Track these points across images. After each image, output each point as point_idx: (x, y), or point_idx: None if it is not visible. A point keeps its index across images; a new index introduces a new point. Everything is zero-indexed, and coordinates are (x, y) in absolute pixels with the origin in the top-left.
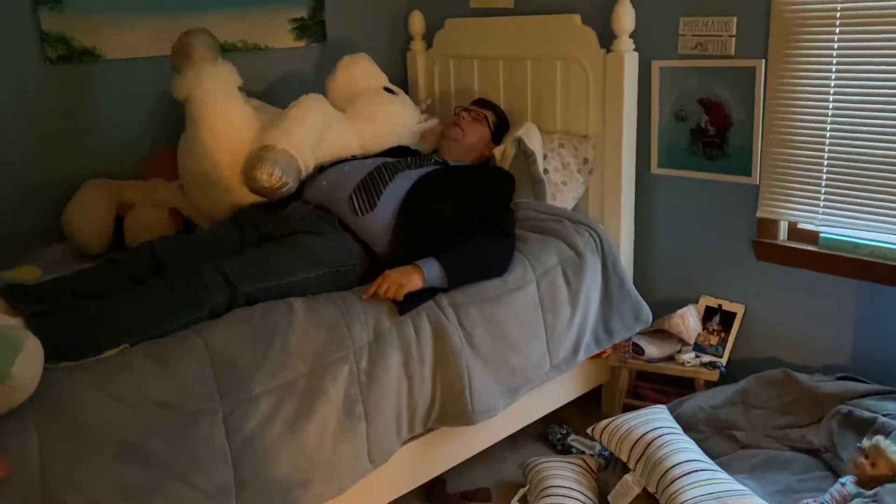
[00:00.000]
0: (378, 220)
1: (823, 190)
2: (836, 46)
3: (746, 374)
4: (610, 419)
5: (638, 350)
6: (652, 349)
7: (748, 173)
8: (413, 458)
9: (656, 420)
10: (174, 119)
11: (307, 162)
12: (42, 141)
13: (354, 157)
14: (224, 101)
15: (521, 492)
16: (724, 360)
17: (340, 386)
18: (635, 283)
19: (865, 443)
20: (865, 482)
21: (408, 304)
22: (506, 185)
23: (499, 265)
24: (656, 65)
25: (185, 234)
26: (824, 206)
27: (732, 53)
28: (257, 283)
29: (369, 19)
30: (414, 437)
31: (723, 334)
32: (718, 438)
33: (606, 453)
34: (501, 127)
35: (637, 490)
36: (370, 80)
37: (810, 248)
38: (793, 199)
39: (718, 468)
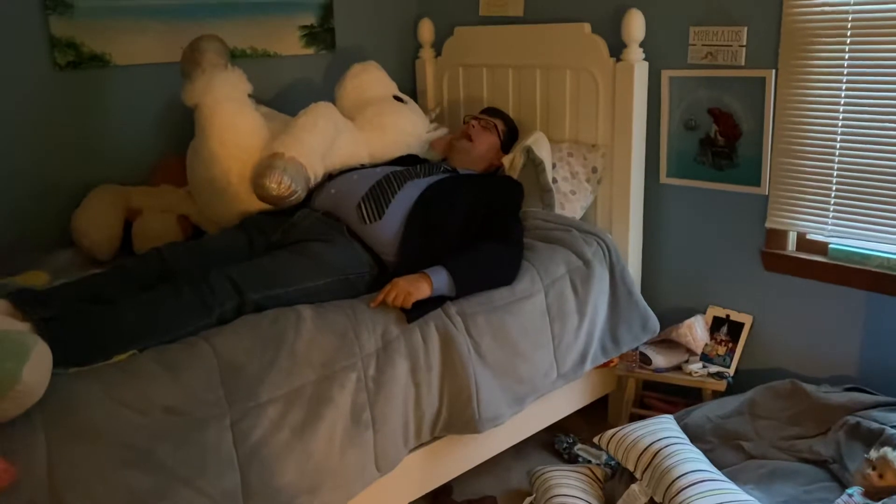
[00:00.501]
0: (386, 229)
1: (833, 201)
2: (846, 57)
3: (754, 385)
4: (617, 428)
5: (645, 360)
6: (659, 359)
7: (757, 183)
8: (420, 466)
9: (663, 430)
10: (183, 125)
11: (316, 170)
12: (51, 146)
13: (363, 166)
14: (234, 109)
15: (528, 500)
16: (731, 371)
17: (348, 393)
18: (643, 292)
19: (873, 454)
20: (873, 493)
21: (416, 312)
22: (514, 193)
23: (507, 274)
24: (666, 74)
25: (194, 241)
26: (833, 217)
27: (742, 63)
28: (265, 290)
29: (378, 27)
30: (421, 445)
31: (730, 344)
32: (725, 449)
33: (613, 463)
34: (510, 136)
35: (643, 500)
36: (379, 88)
37: (819, 258)
38: (802, 209)
39: (725, 479)
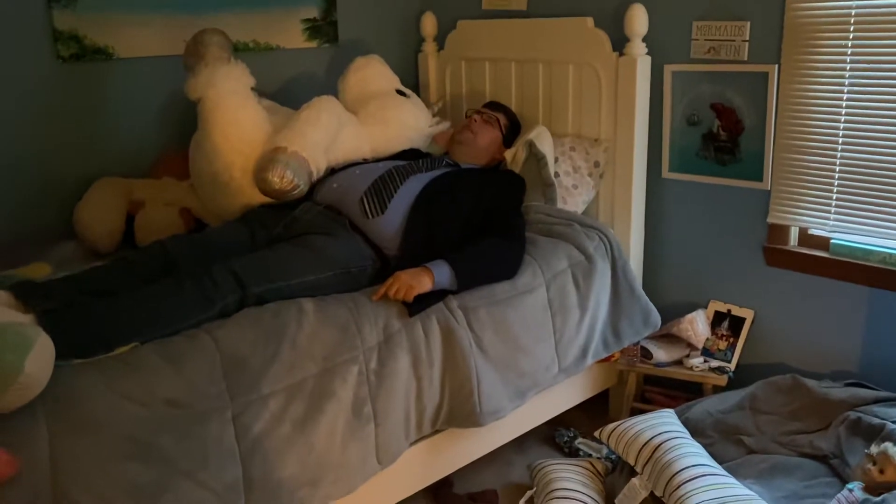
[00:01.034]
0: (388, 223)
1: (835, 196)
2: (849, 52)
3: (755, 380)
4: (618, 423)
5: (646, 354)
6: (660, 353)
7: (759, 178)
8: (421, 460)
9: (664, 424)
10: (186, 118)
11: (319, 165)
12: (53, 139)
13: (366, 161)
14: (237, 102)
15: (528, 494)
16: (732, 366)
17: (350, 386)
18: (645, 287)
19: (874, 449)
20: (873, 489)
21: (417, 305)
22: (516, 188)
23: (509, 268)
24: (669, 69)
25: (196, 234)
26: (836, 213)
27: (745, 58)
28: (268, 283)
29: (381, 20)
30: (422, 439)
31: (732, 339)
32: (726, 443)
33: (614, 457)
34: (513, 130)
35: (644, 494)
36: (382, 82)
37: (821, 254)
38: (804, 204)
39: (726, 473)
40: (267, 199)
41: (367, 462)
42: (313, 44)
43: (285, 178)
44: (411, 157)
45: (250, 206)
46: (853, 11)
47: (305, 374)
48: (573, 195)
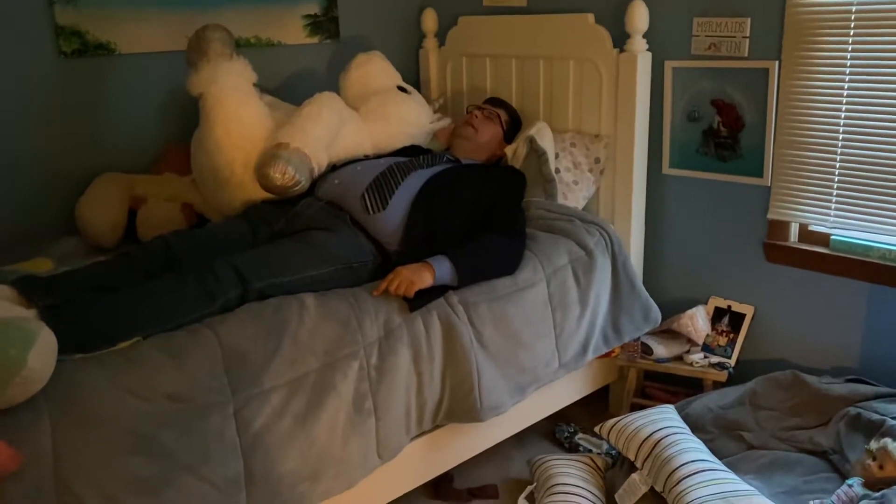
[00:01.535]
0: (390, 219)
1: (835, 192)
2: (850, 48)
3: (755, 376)
4: (618, 418)
5: (646, 350)
6: (661, 349)
7: (760, 175)
8: (421, 454)
9: (664, 420)
10: (187, 114)
11: (320, 161)
12: (56, 134)
13: (367, 157)
14: (239, 98)
15: (529, 489)
16: (732, 361)
17: (350, 381)
18: (645, 282)
19: (873, 445)
20: (873, 484)
21: (418, 301)
22: (517, 184)
23: (509, 264)
24: (669, 65)
25: (198, 229)
26: (836, 209)
27: (746, 55)
28: (269, 279)
29: (382, 16)
30: (422, 434)
31: (732, 335)
32: (726, 439)
33: (614, 452)
34: (514, 126)
35: (644, 489)
36: (383, 78)
37: (821, 250)
38: (804, 201)
39: (726, 468)
40: (268, 195)
41: (368, 457)
42: (315, 40)
43: (287, 175)
44: (412, 154)
45: (252, 202)
46: (854, 8)
47: (306, 368)
48: (574, 191)
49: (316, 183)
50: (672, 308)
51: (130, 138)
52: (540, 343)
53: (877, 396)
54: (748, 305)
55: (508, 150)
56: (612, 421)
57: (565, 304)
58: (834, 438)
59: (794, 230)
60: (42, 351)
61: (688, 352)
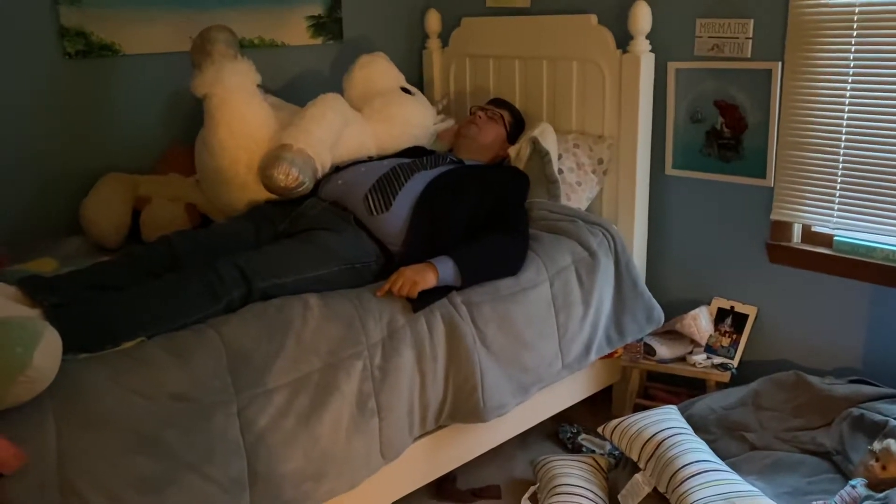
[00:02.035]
0: (393, 220)
1: (838, 193)
2: (853, 49)
3: (758, 376)
4: (621, 419)
5: (649, 350)
6: (663, 350)
7: (763, 175)
8: (424, 455)
9: (667, 420)
10: (191, 115)
11: (324, 161)
12: (60, 135)
13: (370, 158)
14: (243, 99)
15: (532, 489)
16: (735, 362)
17: (354, 381)
18: (648, 283)
19: (876, 445)
20: (876, 485)
21: (421, 301)
22: (520, 184)
23: (512, 264)
24: (672, 66)
25: (202, 229)
26: (839, 210)
27: (749, 55)
28: (273, 279)
29: (386, 17)
30: (426, 434)
31: (735, 336)
32: (729, 440)
33: (617, 452)
34: (517, 126)
35: (647, 489)
36: (387, 79)
37: (824, 251)
38: (807, 201)
39: (729, 469)
40: (272, 196)
41: (371, 457)
42: (318, 41)
43: (290, 175)
44: (416, 155)
45: (255, 202)
46: (857, 9)
47: (310, 368)
48: (577, 192)
49: (319, 184)
50: (675, 309)
51: (134, 139)
52: (543, 343)
53: (880, 397)
54: (751, 306)
55: (512, 150)
56: (615, 421)
57: (568, 304)
58: (837, 439)
59: (797, 231)
60: (47, 350)
61: (691, 352)
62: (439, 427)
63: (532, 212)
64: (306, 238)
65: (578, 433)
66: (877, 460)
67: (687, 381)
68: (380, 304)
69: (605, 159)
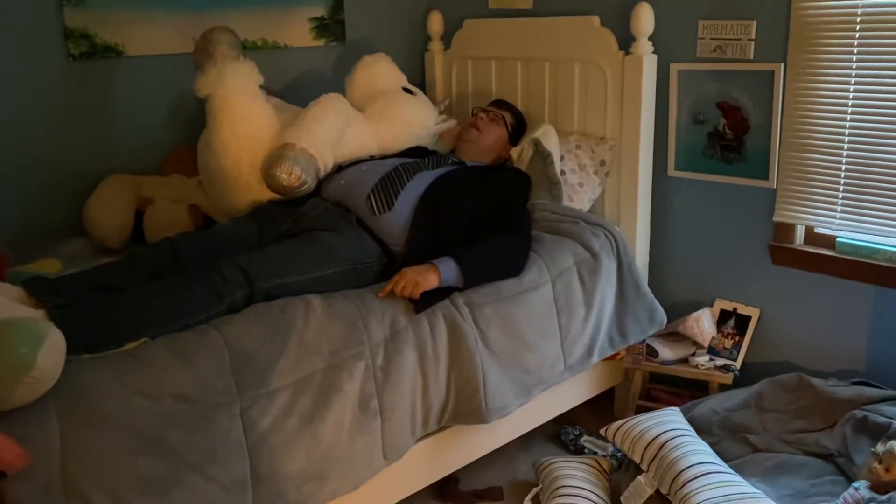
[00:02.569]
0: (395, 220)
1: (841, 194)
2: (855, 51)
3: (761, 378)
4: (623, 420)
5: (652, 352)
6: (666, 351)
7: (765, 177)
8: (427, 456)
9: (670, 422)
10: (194, 116)
11: (326, 161)
12: (64, 136)
13: (372, 158)
14: (245, 100)
15: (534, 491)
16: (738, 364)
17: (356, 382)
18: (650, 285)
19: (880, 448)
20: (879, 487)
21: (424, 302)
22: (522, 185)
23: (514, 265)
24: (675, 68)
25: (204, 231)
26: (842, 211)
27: (751, 57)
28: (275, 279)
29: (388, 19)
30: (428, 435)
31: (737, 338)
32: (732, 442)
33: (619, 454)
34: (519, 128)
35: (650, 491)
36: (389, 80)
37: (827, 252)
38: (810, 203)
39: (731, 471)
40: (275, 196)
41: (374, 457)
42: (321, 42)
43: (293, 175)
44: (418, 155)
45: (258, 203)
46: (859, 10)
47: (312, 369)
48: (579, 193)
49: (322, 183)
50: (677, 310)
51: (138, 140)
52: (545, 344)
53: (883, 399)
54: (754, 308)
55: (514, 152)
56: (617, 423)
57: (571, 305)
58: (840, 441)
59: (799, 232)
60: (51, 351)
61: (693, 354)
62: (441, 428)
63: (534, 213)
64: (308, 238)
65: (581, 435)
66: (880, 462)
67: (689, 383)
68: (382, 304)
69: (608, 160)
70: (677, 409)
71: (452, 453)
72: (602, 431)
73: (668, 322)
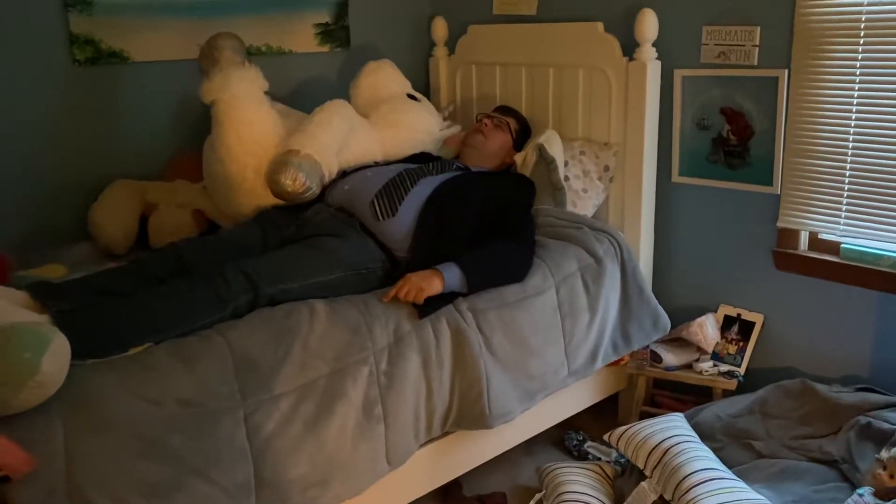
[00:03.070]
0: (399, 226)
1: (845, 200)
2: (859, 57)
3: (765, 384)
4: (627, 426)
5: (656, 358)
6: (670, 357)
7: (769, 183)
8: (430, 461)
9: (673, 428)
10: (199, 121)
11: (331, 167)
12: (69, 141)
13: (377, 164)
14: (250, 105)
15: (538, 497)
16: (742, 370)
17: (360, 387)
18: (654, 290)
19: (884, 454)
20: (883, 493)
21: (428, 307)
22: (526, 191)
23: (518, 271)
24: (679, 74)
25: (209, 236)
26: (846, 217)
27: (755, 63)
28: (279, 284)
29: (393, 25)
30: (431, 440)
31: (741, 343)
32: (735, 447)
33: (623, 460)
34: (523, 134)
35: (653, 497)
36: (393, 86)
37: (831, 258)
38: (814, 209)
39: (735, 477)
40: (279, 201)
41: (377, 463)
42: (325, 48)
43: (297, 181)
44: (422, 161)
45: (262, 208)
46: (863, 17)
47: (316, 374)
48: (583, 199)
49: (326, 189)
50: (681, 316)
51: (143, 145)
52: (549, 350)
53: (887, 405)
54: (758, 314)
55: (518, 157)
56: (621, 429)
57: (574, 311)
58: (844, 447)
59: (803, 238)
60: (55, 356)
61: (697, 360)
62: (445, 433)
63: (538, 218)
64: (312, 244)
65: (584, 440)
66: (884, 469)
67: (693, 389)
68: (386, 309)
69: (612, 166)
70: (681, 414)
71: (456, 458)
72: (606, 437)
73: (672, 328)
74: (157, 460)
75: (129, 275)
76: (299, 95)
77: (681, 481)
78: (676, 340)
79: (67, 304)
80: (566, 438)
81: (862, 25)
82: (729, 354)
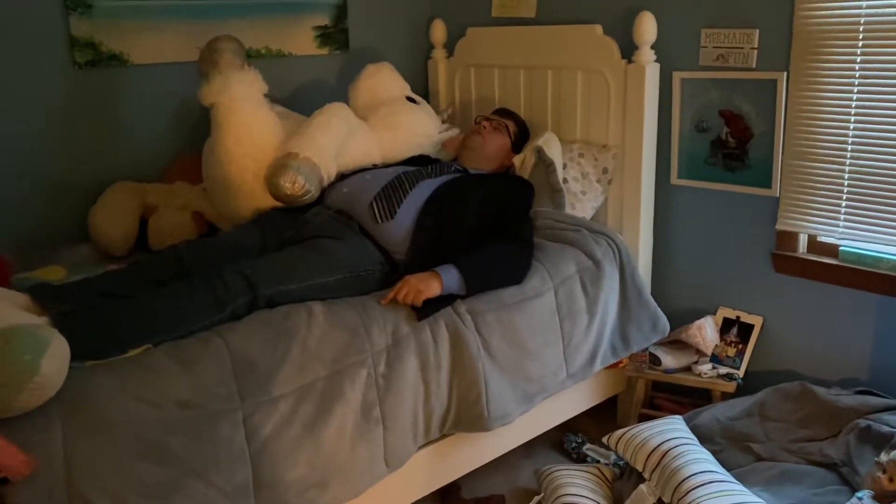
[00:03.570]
0: (398, 228)
1: (844, 203)
2: (858, 59)
3: (764, 387)
4: (626, 429)
5: (655, 360)
6: (669, 359)
7: (768, 185)
8: (429, 463)
9: (672, 430)
10: (199, 124)
11: (329, 170)
12: (69, 143)
13: (375, 166)
14: (249, 108)
15: (536, 499)
16: (741, 372)
17: (358, 389)
18: (653, 293)
19: (883, 457)
20: (883, 497)
21: (426, 310)
22: (525, 193)
23: (517, 273)
24: (677, 76)
25: (208, 238)
26: (845, 220)
27: (754, 66)
28: (278, 286)
29: (391, 27)
30: (430, 443)
31: (740, 346)
32: (734, 450)
33: (622, 462)
34: (522, 136)
35: (652, 500)
36: (392, 88)
37: (830, 261)
38: (813, 211)
39: (734, 480)
40: (278, 204)
41: (375, 465)
42: (324, 51)
43: (297, 184)
44: (421, 163)
45: (262, 210)
46: (862, 19)
47: (315, 376)
48: (581, 201)
49: (325, 191)
50: (680, 318)
51: (142, 148)
52: (548, 352)
53: (887, 408)
54: (757, 316)
55: (516, 160)
56: (620, 431)
57: (573, 313)
58: (843, 450)
59: (802, 241)
60: (55, 357)
61: (696, 362)
62: (443, 436)
63: (537, 221)
64: (311, 245)
65: (583, 443)
66: (884, 472)
67: (692, 392)
68: (384, 312)
69: (610, 169)
70: (680, 417)
71: (454, 461)
72: (604, 439)
73: (671, 330)
74: (156, 462)
75: (129, 277)
76: (298, 98)
77: (679, 484)
78: (675, 343)
79: (67, 306)
80: (565, 441)
81: (860, 28)
82: (728, 357)
